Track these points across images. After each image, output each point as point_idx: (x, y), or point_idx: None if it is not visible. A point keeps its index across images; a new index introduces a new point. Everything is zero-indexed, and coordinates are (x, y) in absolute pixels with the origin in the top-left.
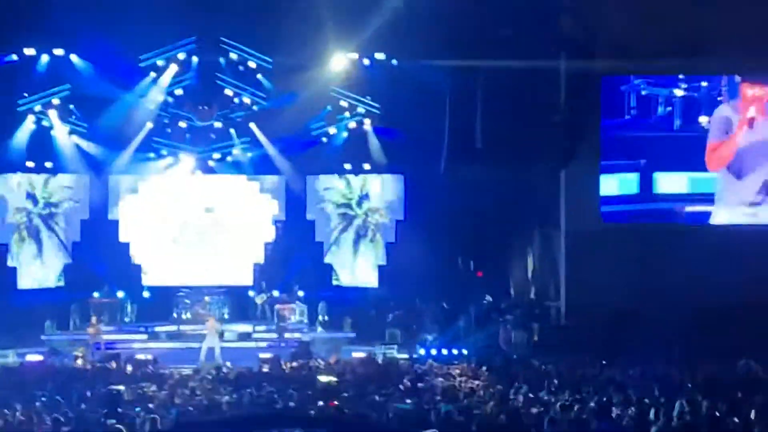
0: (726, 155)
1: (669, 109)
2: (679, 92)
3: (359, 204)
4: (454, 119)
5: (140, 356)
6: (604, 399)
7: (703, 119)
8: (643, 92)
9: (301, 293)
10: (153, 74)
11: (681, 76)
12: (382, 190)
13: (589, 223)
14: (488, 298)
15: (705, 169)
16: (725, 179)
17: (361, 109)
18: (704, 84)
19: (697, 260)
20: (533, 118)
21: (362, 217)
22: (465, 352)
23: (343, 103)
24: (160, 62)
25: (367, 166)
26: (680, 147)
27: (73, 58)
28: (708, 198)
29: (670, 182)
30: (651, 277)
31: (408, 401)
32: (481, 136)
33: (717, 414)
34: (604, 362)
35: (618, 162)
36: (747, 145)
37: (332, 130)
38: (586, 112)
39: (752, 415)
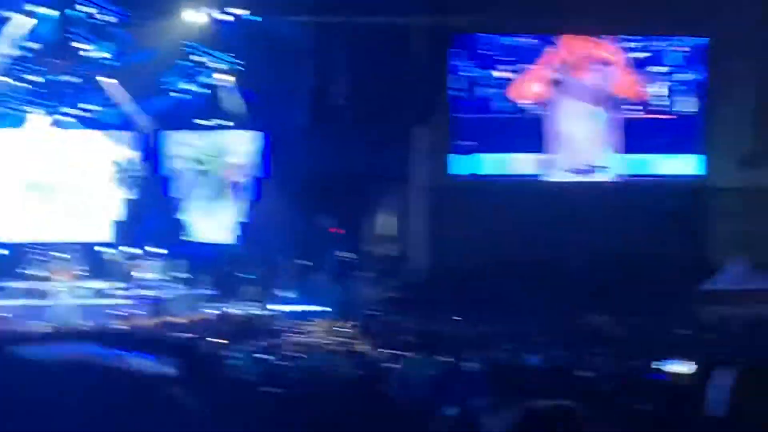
0: (525, 86)
1: (492, 90)
2: (502, 74)
3: (218, 160)
4: (317, 77)
5: None
6: (457, 356)
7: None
8: (468, 74)
9: (157, 250)
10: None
11: (505, 58)
12: (242, 147)
13: (438, 179)
14: (347, 254)
15: (529, 150)
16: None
17: (221, 66)
18: (528, 66)
19: (543, 215)
20: (389, 74)
21: (221, 174)
22: (323, 309)
23: (203, 59)
24: (9, 14)
25: (226, 123)
26: (504, 128)
27: None
28: (535, 184)
29: (494, 164)
30: (502, 233)
31: (265, 357)
32: (343, 93)
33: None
34: (458, 318)
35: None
36: (564, 104)
37: (191, 86)
38: (436, 68)
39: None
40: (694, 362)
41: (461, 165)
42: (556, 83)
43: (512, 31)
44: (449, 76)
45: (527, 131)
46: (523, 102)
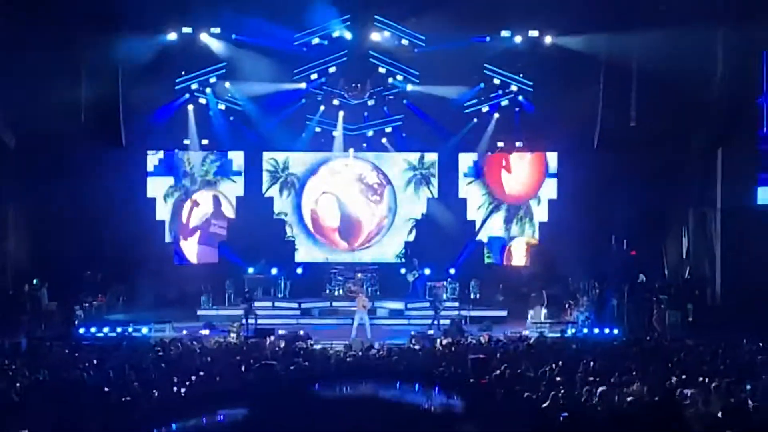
0: None
1: None
2: None
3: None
4: (608, 96)
5: (293, 332)
6: (760, 381)
7: None
8: None
9: (452, 270)
10: (306, 51)
11: None
12: (530, 168)
13: (745, 203)
14: (642, 277)
15: None
16: None
17: (513, 87)
18: None
19: None
20: (689, 94)
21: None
22: (616, 332)
23: (496, 81)
24: (315, 41)
25: (519, 144)
26: None
27: (230, 37)
28: None
29: None
30: None
31: (558, 379)
32: (635, 113)
33: None
34: (761, 344)
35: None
36: None
37: (485, 108)
38: (745, 88)
39: None
40: None
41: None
42: None
43: None
44: (757, 102)
45: None
46: None
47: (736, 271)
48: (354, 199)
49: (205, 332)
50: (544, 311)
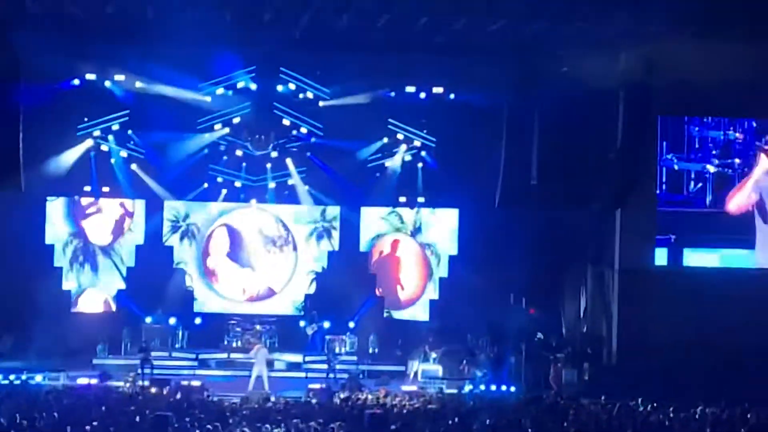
0: (742, 198)
1: (700, 185)
2: (711, 168)
3: (413, 237)
4: (510, 154)
5: (189, 383)
6: None
7: None
8: (675, 167)
9: (351, 324)
10: (209, 101)
11: (715, 152)
12: (435, 224)
13: (643, 263)
14: (540, 335)
15: (738, 246)
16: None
17: (416, 142)
18: (738, 161)
19: (750, 304)
20: (589, 155)
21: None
22: (513, 389)
23: (399, 136)
24: (219, 91)
25: (421, 199)
26: (711, 223)
27: (136, 84)
28: (740, 272)
29: (700, 259)
30: (704, 319)
31: None
32: (536, 172)
33: None
34: (654, 404)
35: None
36: None
37: (388, 163)
38: (643, 150)
39: None
40: None
41: (663, 256)
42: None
43: (725, 113)
44: (656, 164)
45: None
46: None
47: (632, 332)
48: (255, 251)
49: (100, 381)
50: (441, 367)
